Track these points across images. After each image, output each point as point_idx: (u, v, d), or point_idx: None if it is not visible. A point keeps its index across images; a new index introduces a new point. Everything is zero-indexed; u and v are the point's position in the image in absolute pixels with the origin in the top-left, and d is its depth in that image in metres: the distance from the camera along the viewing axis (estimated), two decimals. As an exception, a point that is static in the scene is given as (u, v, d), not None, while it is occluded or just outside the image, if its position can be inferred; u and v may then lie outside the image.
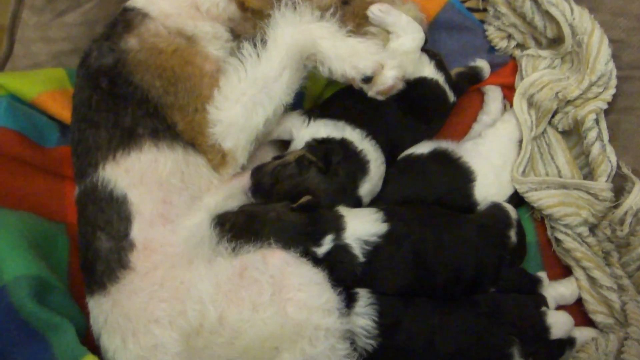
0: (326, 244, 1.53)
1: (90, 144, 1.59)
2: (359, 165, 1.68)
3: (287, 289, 1.40)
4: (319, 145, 1.68)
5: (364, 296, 1.54)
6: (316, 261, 1.51)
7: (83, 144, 1.61)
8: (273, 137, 1.79)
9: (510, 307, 1.63)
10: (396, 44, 1.71)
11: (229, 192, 1.66)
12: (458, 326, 1.56)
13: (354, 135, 1.71)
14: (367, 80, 1.58)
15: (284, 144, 1.83)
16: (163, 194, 1.56)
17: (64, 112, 1.82)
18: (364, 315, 1.50)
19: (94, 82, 1.62)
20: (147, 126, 1.58)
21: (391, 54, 1.63)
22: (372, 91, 1.62)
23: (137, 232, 1.52)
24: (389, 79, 1.58)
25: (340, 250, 1.53)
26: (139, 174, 1.55)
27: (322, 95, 2.02)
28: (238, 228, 1.55)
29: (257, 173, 1.66)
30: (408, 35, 1.71)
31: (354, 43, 1.60)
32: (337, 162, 1.64)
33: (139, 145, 1.57)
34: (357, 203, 1.69)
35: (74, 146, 1.64)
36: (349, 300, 1.51)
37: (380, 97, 1.62)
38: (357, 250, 1.54)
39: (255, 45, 1.60)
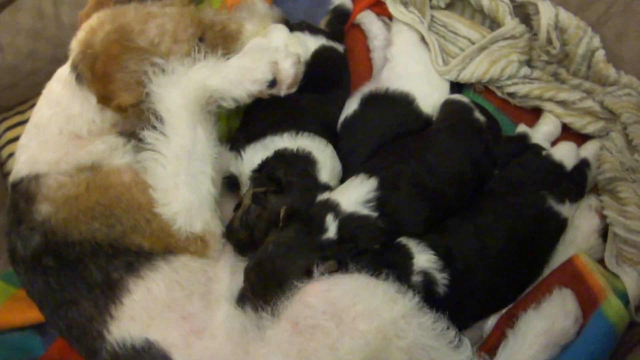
0: (331, 224, 1.50)
1: (82, 321, 1.51)
2: (303, 161, 1.67)
3: (345, 311, 1.35)
4: (260, 174, 1.67)
5: (408, 240, 1.53)
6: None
7: (75, 327, 1.53)
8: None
9: (519, 171, 1.69)
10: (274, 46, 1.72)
11: (230, 267, 1.63)
12: (493, 220, 1.60)
13: (284, 142, 1.70)
14: (273, 83, 1.59)
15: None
16: (177, 312, 1.51)
17: (29, 315, 1.74)
18: (423, 252, 1.50)
19: (40, 268, 1.54)
20: (118, 267, 1.52)
21: (275, 49, 1.65)
22: (283, 90, 1.63)
23: None
24: (289, 68, 1.60)
25: (349, 220, 1.52)
26: (145, 313, 1.49)
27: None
28: (259, 286, 1.51)
29: (230, 235, 1.64)
30: (274, 37, 1.75)
31: (237, 62, 1.59)
32: (284, 174, 1.62)
33: (125, 288, 1.50)
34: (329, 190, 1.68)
35: (67, 335, 1.56)
36: (401, 251, 1.51)
37: (293, 89, 1.64)
38: (366, 210, 1.53)
39: (154, 127, 1.56)
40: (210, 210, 1.59)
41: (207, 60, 1.59)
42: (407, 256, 1.49)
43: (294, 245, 1.49)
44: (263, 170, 1.66)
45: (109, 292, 1.50)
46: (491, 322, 1.60)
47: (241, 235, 1.62)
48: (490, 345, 1.54)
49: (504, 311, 1.59)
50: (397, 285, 1.41)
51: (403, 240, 1.53)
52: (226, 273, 1.61)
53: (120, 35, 1.56)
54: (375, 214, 1.52)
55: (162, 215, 1.55)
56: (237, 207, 1.67)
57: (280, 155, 1.67)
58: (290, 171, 1.62)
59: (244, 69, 1.58)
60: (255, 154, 1.70)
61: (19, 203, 1.59)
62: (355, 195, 1.55)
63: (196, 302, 1.53)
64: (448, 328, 1.39)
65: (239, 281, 1.58)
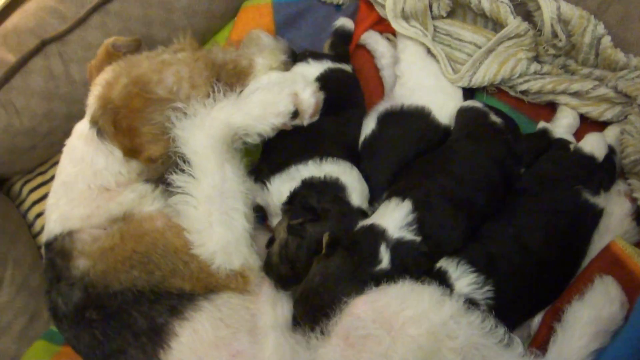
0: (385, 255, 1.52)
1: None
2: (333, 187, 1.69)
3: (394, 318, 1.38)
4: (292, 206, 1.68)
5: (447, 263, 1.56)
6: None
7: None
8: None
9: (550, 168, 1.71)
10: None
11: (271, 300, 1.64)
12: (530, 219, 1.62)
13: (309, 170, 1.71)
14: (295, 114, 1.64)
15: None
16: (225, 351, 1.52)
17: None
18: (462, 276, 1.52)
19: (84, 322, 1.57)
20: (162, 312, 1.54)
21: (293, 80, 1.70)
22: (306, 120, 1.68)
23: None
24: (310, 98, 1.65)
25: (399, 247, 1.53)
26: (193, 354, 1.51)
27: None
28: (307, 316, 1.52)
29: (271, 271, 1.65)
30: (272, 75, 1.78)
31: (258, 97, 1.63)
32: (318, 203, 1.64)
33: (171, 332, 1.53)
34: (363, 214, 1.70)
35: None
36: (441, 278, 1.53)
37: (316, 118, 1.70)
38: (411, 235, 1.54)
39: (182, 170, 1.60)
40: (246, 246, 1.62)
41: (228, 99, 1.63)
42: (447, 287, 1.50)
43: (343, 277, 1.50)
44: (295, 202, 1.67)
45: (156, 338, 1.52)
46: (537, 319, 1.62)
47: (282, 271, 1.62)
48: (539, 341, 1.57)
49: (548, 307, 1.61)
50: (441, 288, 1.44)
51: (442, 265, 1.56)
52: (269, 306, 1.62)
53: (139, 87, 1.60)
54: (418, 238, 1.54)
55: (200, 256, 1.58)
56: (270, 242, 1.68)
57: (309, 184, 1.68)
58: (323, 199, 1.64)
59: (266, 103, 1.62)
60: (282, 185, 1.71)
61: (55, 261, 1.62)
62: (395, 219, 1.56)
63: (243, 338, 1.55)
64: (496, 326, 1.41)
65: (283, 310, 1.61)
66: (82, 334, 1.58)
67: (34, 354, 1.88)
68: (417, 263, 1.54)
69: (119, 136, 1.60)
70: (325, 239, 1.56)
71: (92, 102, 1.69)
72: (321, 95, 1.70)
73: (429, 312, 1.37)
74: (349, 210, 1.67)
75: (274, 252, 1.64)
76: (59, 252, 1.63)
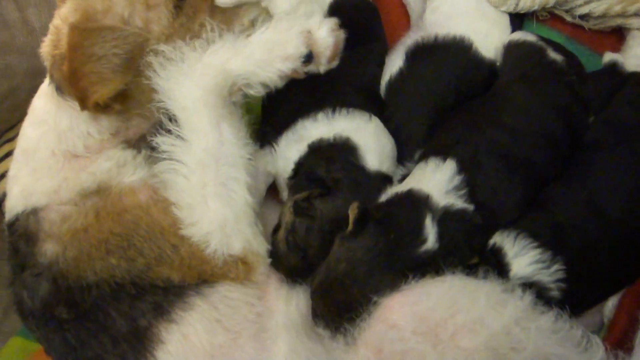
0: (431, 229, 1.27)
1: None
2: (344, 151, 1.46)
3: (441, 327, 1.15)
4: (298, 178, 1.48)
5: (502, 238, 1.32)
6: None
7: None
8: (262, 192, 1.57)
9: (626, 112, 1.47)
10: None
11: (284, 295, 1.44)
12: (608, 179, 1.38)
13: (318, 128, 1.49)
14: (309, 58, 1.42)
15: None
16: None
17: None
18: (522, 252, 1.29)
19: (53, 321, 1.38)
20: (145, 311, 1.36)
21: (305, 15, 1.47)
22: (322, 65, 1.45)
23: None
24: (327, 37, 1.44)
25: (447, 218, 1.29)
26: None
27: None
28: (329, 314, 1.28)
29: (279, 263, 1.45)
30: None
31: (261, 37, 1.42)
32: (327, 172, 1.43)
33: (156, 338, 1.35)
34: (385, 179, 1.47)
35: None
36: (494, 257, 1.30)
37: (335, 63, 1.47)
38: (461, 202, 1.30)
39: (168, 131, 1.37)
40: (249, 225, 1.40)
41: (224, 40, 1.39)
42: (502, 269, 1.28)
43: (377, 264, 1.26)
44: (300, 173, 1.45)
45: (138, 345, 1.35)
46: (611, 302, 1.39)
47: (292, 261, 1.41)
48: (617, 334, 1.35)
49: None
50: (502, 284, 1.21)
51: (497, 240, 1.32)
52: (281, 303, 1.42)
53: (83, 22, 1.35)
54: (471, 207, 1.30)
55: (191, 237, 1.36)
56: (275, 230, 1.47)
57: (317, 149, 1.46)
58: (332, 167, 1.41)
59: (271, 44, 1.40)
60: (288, 148, 1.50)
61: (19, 246, 1.43)
62: (439, 182, 1.32)
63: (247, 346, 1.36)
64: (572, 327, 1.17)
65: (299, 306, 1.40)
66: (52, 335, 1.40)
67: (8, 354, 1.73)
68: (471, 240, 1.30)
69: (67, 85, 1.36)
70: (352, 212, 1.30)
71: (44, 53, 1.45)
72: (341, 34, 1.46)
73: (486, 316, 1.14)
74: (364, 176, 1.44)
75: (280, 240, 1.42)
76: (22, 234, 1.43)
